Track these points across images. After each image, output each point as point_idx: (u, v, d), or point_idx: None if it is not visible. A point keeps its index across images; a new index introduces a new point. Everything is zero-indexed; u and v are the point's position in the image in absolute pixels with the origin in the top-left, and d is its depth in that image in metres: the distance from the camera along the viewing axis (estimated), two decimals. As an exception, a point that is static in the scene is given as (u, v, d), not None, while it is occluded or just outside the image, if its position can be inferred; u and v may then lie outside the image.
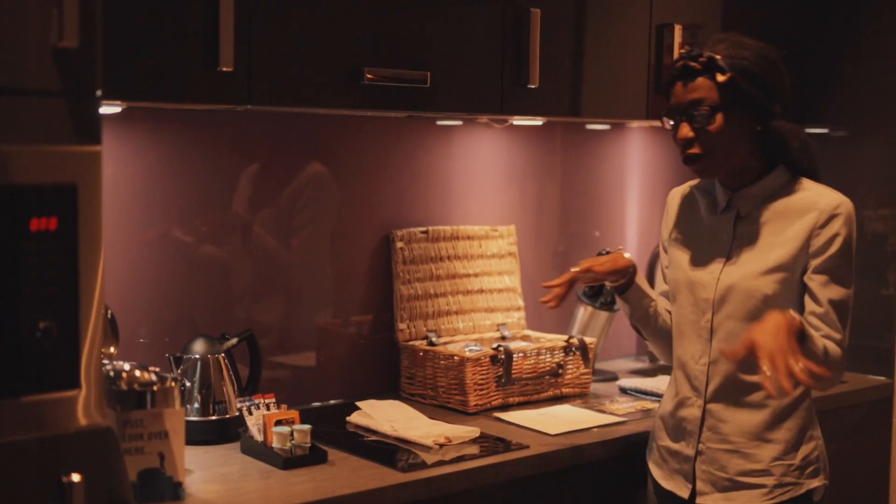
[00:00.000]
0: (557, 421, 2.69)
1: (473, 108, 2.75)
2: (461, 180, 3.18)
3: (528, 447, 2.47)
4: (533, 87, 2.74)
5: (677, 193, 2.50)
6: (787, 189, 2.31)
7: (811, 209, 2.26)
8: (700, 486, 2.35)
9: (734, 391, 2.31)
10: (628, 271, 2.44)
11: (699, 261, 2.36)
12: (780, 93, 2.29)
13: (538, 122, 3.21)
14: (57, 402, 1.70)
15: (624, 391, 3.08)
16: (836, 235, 2.24)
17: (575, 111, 2.94)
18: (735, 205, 2.33)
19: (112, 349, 2.22)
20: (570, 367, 2.97)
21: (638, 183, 3.60)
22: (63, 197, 1.68)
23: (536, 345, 2.96)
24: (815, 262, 2.25)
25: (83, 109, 1.71)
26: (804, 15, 3.55)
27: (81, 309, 1.71)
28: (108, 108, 2.31)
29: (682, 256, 2.40)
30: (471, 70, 2.67)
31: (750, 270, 2.28)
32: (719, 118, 2.23)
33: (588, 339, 3.01)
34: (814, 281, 2.25)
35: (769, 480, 2.29)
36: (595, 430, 2.64)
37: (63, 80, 1.68)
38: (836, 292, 2.24)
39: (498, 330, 3.15)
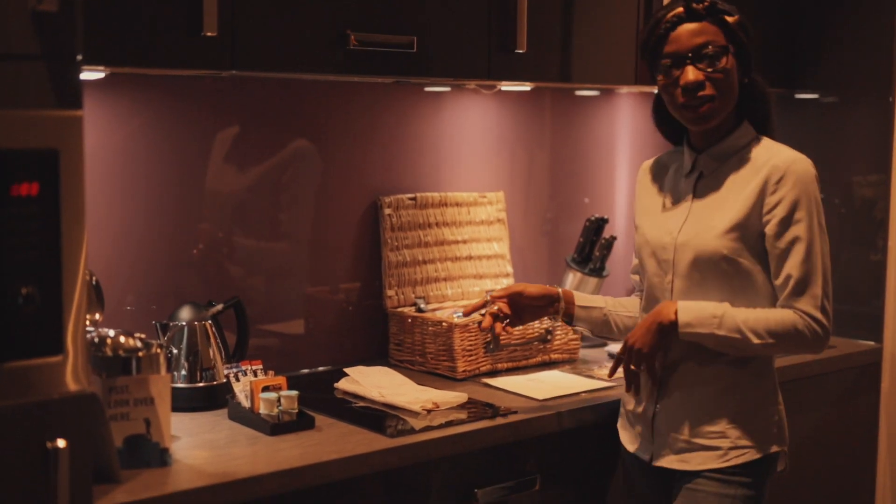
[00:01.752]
0: (545, 386, 2.70)
1: (461, 74, 2.73)
2: (450, 147, 3.17)
3: (516, 412, 2.47)
4: (521, 52, 2.72)
5: (646, 166, 2.52)
6: (748, 148, 2.31)
7: (766, 166, 2.25)
8: (657, 448, 2.35)
9: (691, 355, 2.30)
10: (556, 296, 2.46)
11: (662, 224, 2.37)
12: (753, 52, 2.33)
13: (526, 87, 3.20)
14: (41, 368, 1.70)
15: (613, 356, 3.08)
16: (787, 195, 2.22)
17: (563, 77, 2.93)
18: (699, 165, 2.34)
19: (97, 316, 2.22)
20: (558, 333, 2.97)
21: (627, 149, 3.59)
22: (45, 162, 1.68)
23: (525, 311, 2.96)
24: (769, 228, 2.23)
25: (64, 74, 1.70)
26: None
27: (64, 275, 1.70)
28: (90, 74, 2.30)
29: (647, 222, 2.41)
30: (458, 35, 2.65)
31: (705, 229, 2.27)
32: (727, 60, 2.25)
33: (576, 305, 3.01)
34: (776, 249, 2.23)
35: (723, 443, 2.28)
36: (583, 394, 2.65)
37: (43, 44, 1.67)
38: (799, 259, 2.21)
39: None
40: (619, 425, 2.50)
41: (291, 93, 2.83)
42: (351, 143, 2.96)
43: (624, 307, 2.51)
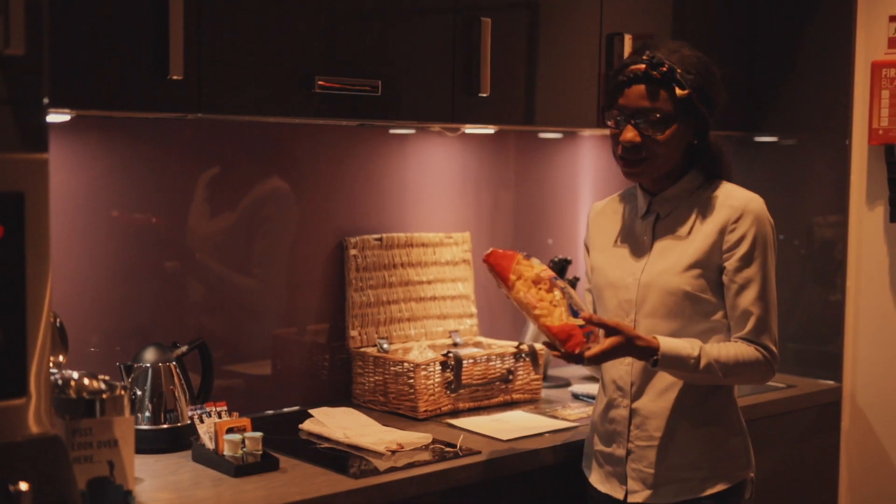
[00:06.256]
0: (509, 427, 2.71)
1: (425, 117, 2.77)
2: (416, 188, 3.20)
3: (479, 453, 2.48)
4: (484, 95, 2.75)
5: (598, 206, 2.56)
6: (704, 189, 2.37)
7: (724, 206, 2.32)
8: (631, 484, 2.38)
9: (657, 389, 2.35)
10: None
11: (622, 263, 2.41)
12: (717, 107, 2.37)
13: (490, 130, 3.23)
14: (4, 411, 1.69)
15: (576, 397, 3.10)
16: (746, 232, 2.29)
17: (526, 120, 2.96)
18: (655, 208, 2.39)
19: (61, 357, 2.21)
20: (520, 373, 2.99)
21: (590, 191, 3.62)
22: (10, 205, 1.67)
23: (486, 351, 2.98)
24: (729, 264, 2.30)
25: (30, 117, 1.70)
26: (753, 26, 3.60)
27: (29, 317, 1.70)
28: (56, 117, 2.31)
29: (605, 260, 2.45)
30: (422, 79, 2.69)
31: (668, 268, 2.33)
32: (670, 130, 2.29)
33: (538, 346, 3.03)
34: (734, 284, 2.29)
35: (697, 474, 2.33)
36: (547, 435, 2.66)
37: (9, 87, 1.67)
38: (752, 295, 2.29)
39: (450, 337, 3.16)
40: (584, 466, 2.52)
41: (257, 135, 2.84)
42: (317, 184, 2.97)
43: None
